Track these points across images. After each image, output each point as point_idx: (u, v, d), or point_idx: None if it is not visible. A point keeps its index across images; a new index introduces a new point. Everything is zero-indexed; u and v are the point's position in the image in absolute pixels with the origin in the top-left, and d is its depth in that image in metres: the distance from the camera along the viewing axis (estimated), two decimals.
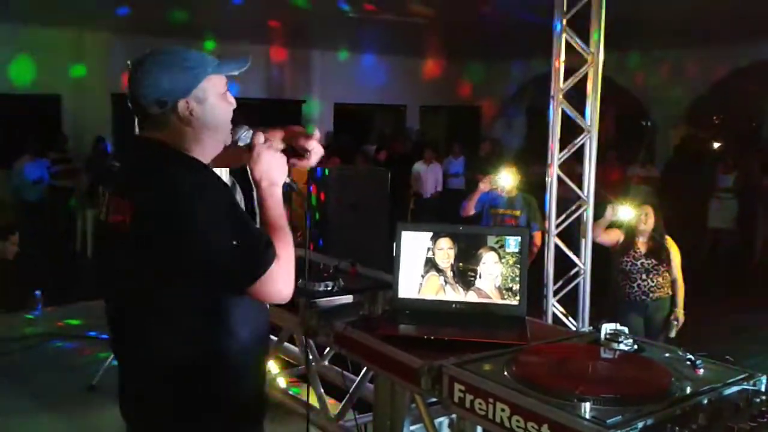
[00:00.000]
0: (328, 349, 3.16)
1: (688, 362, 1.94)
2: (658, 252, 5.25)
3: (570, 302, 5.44)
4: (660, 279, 5.23)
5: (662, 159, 12.39)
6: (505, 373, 1.89)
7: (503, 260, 2.45)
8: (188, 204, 1.64)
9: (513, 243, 2.46)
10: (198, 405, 1.77)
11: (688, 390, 1.75)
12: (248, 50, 11.58)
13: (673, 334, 5.16)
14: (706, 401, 1.71)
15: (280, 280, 1.73)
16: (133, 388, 1.87)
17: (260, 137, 1.89)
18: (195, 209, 1.65)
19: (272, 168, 1.85)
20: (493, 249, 2.46)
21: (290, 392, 3.43)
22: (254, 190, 1.87)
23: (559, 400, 1.69)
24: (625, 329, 2.14)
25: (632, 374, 1.83)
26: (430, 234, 2.51)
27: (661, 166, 11.79)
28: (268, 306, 1.90)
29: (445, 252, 2.49)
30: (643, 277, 5.25)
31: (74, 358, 5.22)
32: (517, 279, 2.44)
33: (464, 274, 2.47)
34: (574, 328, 5.31)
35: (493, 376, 1.88)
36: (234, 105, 1.87)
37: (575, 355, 1.99)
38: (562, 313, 5.44)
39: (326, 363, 3.25)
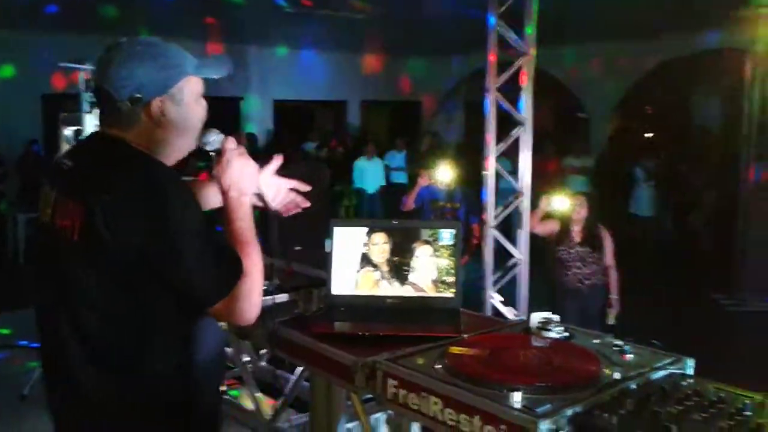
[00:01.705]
0: (264, 349, 3.12)
1: (616, 348, 1.97)
2: (591, 240, 5.37)
3: (509, 292, 5.52)
4: (595, 266, 5.34)
5: (596, 150, 12.69)
6: (438, 366, 1.89)
7: (437, 253, 2.45)
8: (155, 211, 1.51)
9: (447, 236, 2.46)
10: (151, 420, 1.63)
11: (616, 376, 1.78)
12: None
13: (611, 321, 5.28)
14: (633, 386, 1.74)
15: (246, 299, 1.60)
16: (73, 405, 1.68)
17: (231, 143, 1.77)
18: (161, 218, 1.51)
19: (243, 176, 1.73)
20: (427, 242, 2.46)
21: (227, 394, 3.37)
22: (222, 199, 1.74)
23: (490, 390, 1.70)
24: (556, 317, 2.17)
25: (562, 362, 1.85)
26: (365, 229, 2.49)
27: (595, 156, 12.06)
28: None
29: (380, 247, 2.47)
30: (578, 265, 5.35)
31: (4, 368, 5.05)
32: (452, 272, 2.44)
33: (399, 269, 2.46)
34: (513, 318, 5.40)
35: (425, 370, 1.87)
36: (205, 110, 1.76)
37: (506, 345, 2.00)
38: (501, 302, 5.51)
39: (263, 363, 3.20)
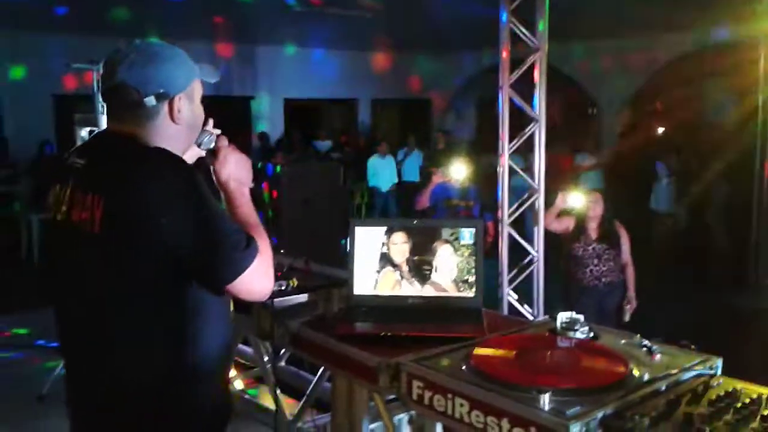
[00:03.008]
0: (284, 349, 3.11)
1: (644, 348, 1.95)
2: (608, 237, 5.33)
3: (525, 290, 5.50)
4: (611, 263, 5.31)
5: (608, 145, 12.62)
6: (463, 367, 1.87)
7: (458, 252, 2.44)
8: (171, 199, 1.59)
9: (467, 235, 2.45)
10: (164, 415, 1.69)
11: (646, 377, 1.75)
12: (192, 47, 11.38)
13: (627, 318, 5.25)
14: (664, 387, 1.72)
15: (264, 275, 1.72)
16: (91, 400, 1.76)
17: (224, 140, 1.90)
18: (178, 205, 1.59)
19: (240, 168, 1.87)
20: (447, 242, 2.44)
21: (247, 394, 3.37)
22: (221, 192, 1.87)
23: (518, 393, 1.68)
24: (581, 317, 2.14)
25: (590, 363, 1.83)
26: (384, 229, 2.48)
27: (607, 152, 12.00)
28: (233, 313, 1.86)
29: (400, 247, 2.46)
30: (595, 262, 5.32)
31: (22, 368, 5.07)
32: (473, 271, 2.42)
33: (420, 268, 2.45)
34: (529, 316, 5.38)
35: (451, 371, 1.86)
36: None
37: (532, 345, 1.99)
38: (517, 300, 5.49)
39: (283, 363, 3.19)
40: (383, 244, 2.47)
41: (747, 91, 9.04)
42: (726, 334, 6.23)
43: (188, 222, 1.59)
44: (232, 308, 1.90)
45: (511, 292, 5.49)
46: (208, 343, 1.71)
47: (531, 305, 5.51)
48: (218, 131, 1.95)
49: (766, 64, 7.68)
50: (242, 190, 1.85)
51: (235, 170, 1.85)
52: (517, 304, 5.47)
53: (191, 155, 1.95)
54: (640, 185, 9.93)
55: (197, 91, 1.81)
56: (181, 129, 1.76)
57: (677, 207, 9.88)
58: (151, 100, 1.70)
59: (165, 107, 1.73)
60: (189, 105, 1.77)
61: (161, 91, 1.71)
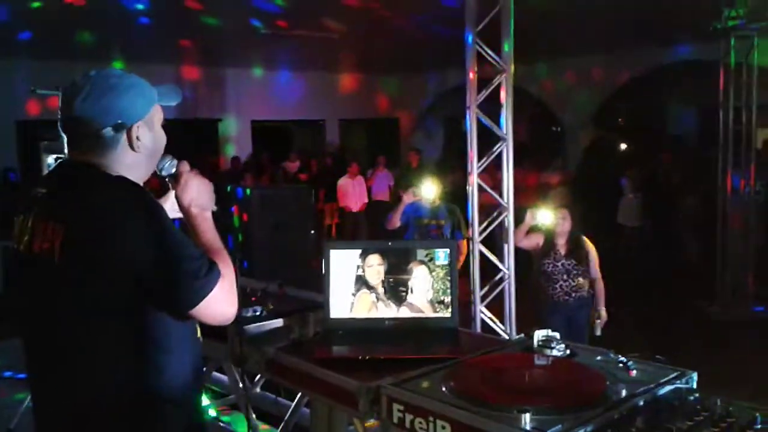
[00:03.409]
0: (258, 375, 3.08)
1: (621, 364, 1.97)
2: (577, 253, 5.39)
3: (496, 307, 5.53)
4: (580, 279, 5.36)
5: (573, 161, 12.82)
6: (443, 389, 1.87)
7: (433, 273, 2.44)
8: (131, 225, 1.60)
9: (442, 255, 2.46)
10: None
11: (624, 393, 1.77)
12: (158, 70, 11.33)
13: (598, 332, 5.29)
14: (642, 403, 1.73)
15: (226, 300, 1.71)
16: (59, 428, 1.75)
17: (186, 165, 1.90)
18: (138, 231, 1.60)
19: (201, 193, 1.86)
20: (422, 262, 2.45)
21: (222, 421, 3.32)
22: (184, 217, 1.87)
23: (499, 412, 1.68)
24: (557, 335, 2.16)
25: (569, 381, 1.84)
26: (359, 251, 2.48)
27: (572, 168, 12.18)
28: (200, 337, 1.84)
29: (375, 268, 2.46)
30: (565, 277, 5.37)
31: None
32: (448, 291, 2.43)
33: (395, 290, 2.45)
34: (502, 333, 5.40)
35: (432, 393, 1.86)
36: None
37: (511, 365, 1.99)
38: (489, 318, 5.51)
39: (258, 390, 3.16)
40: (358, 266, 2.46)
41: (708, 107, 9.26)
42: (697, 345, 6.33)
43: (148, 248, 1.60)
44: (199, 333, 1.89)
45: (485, 310, 5.51)
46: (175, 367, 1.72)
47: (503, 322, 5.53)
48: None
49: (727, 81, 7.88)
50: (204, 215, 1.86)
51: (197, 195, 1.85)
52: (490, 322, 5.49)
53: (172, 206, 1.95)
54: (606, 201, 10.09)
55: (157, 117, 1.83)
56: (140, 156, 1.78)
57: (644, 221, 10.06)
58: (108, 131, 1.72)
59: (123, 136, 1.75)
60: (148, 132, 1.78)
61: (119, 121, 1.73)
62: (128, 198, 1.65)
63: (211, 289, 1.65)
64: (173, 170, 1.89)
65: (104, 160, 1.74)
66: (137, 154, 1.77)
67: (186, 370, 1.76)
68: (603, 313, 5.37)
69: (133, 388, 1.67)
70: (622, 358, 1.99)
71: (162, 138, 1.84)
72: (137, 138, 1.75)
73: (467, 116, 5.39)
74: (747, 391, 1.70)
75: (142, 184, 1.82)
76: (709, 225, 8.50)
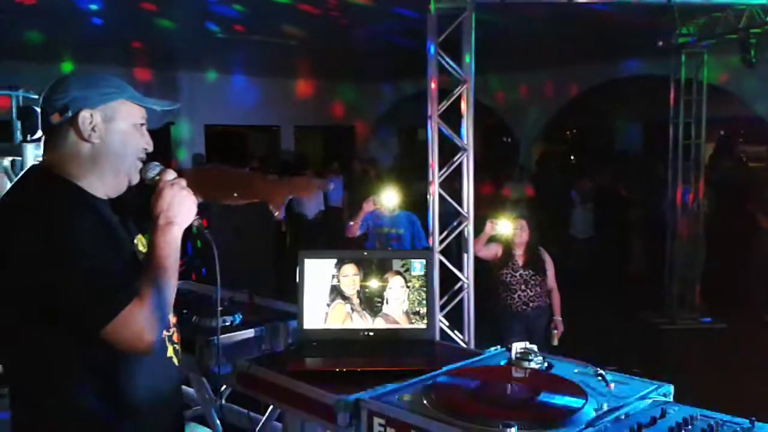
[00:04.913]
0: (224, 387, 3.00)
1: (599, 378, 1.98)
2: (534, 263, 5.47)
3: (455, 316, 5.54)
4: (538, 288, 5.43)
5: (526, 173, 12.98)
6: (425, 402, 1.85)
7: (409, 284, 2.43)
8: (40, 232, 1.53)
9: (418, 266, 2.44)
10: None
11: (606, 406, 1.78)
12: (110, 72, 11.04)
13: (555, 342, 5.37)
14: (623, 416, 1.75)
15: (136, 324, 1.57)
16: None
17: (169, 174, 1.80)
18: (47, 239, 1.53)
19: (173, 206, 1.74)
20: (398, 273, 2.43)
21: None
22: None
23: (484, 427, 1.67)
24: (534, 347, 2.17)
25: (551, 394, 1.84)
26: (334, 261, 2.45)
27: (525, 179, 12.34)
28: (171, 357, 1.78)
29: (351, 278, 2.43)
30: (523, 287, 5.44)
31: None
32: (424, 302, 2.42)
33: (371, 301, 2.42)
34: (461, 342, 5.41)
35: (413, 407, 1.83)
36: (150, 145, 1.80)
37: (491, 378, 1.99)
38: (448, 327, 5.52)
39: (223, 401, 3.09)
40: (333, 276, 2.43)
41: (656, 122, 9.51)
42: (645, 355, 6.47)
43: (49, 260, 1.52)
44: (170, 353, 1.82)
45: (443, 319, 5.52)
46: (133, 384, 1.66)
47: (461, 332, 5.55)
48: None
49: (676, 96, 8.11)
50: (168, 229, 1.72)
51: (167, 207, 1.73)
52: (448, 331, 5.50)
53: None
54: (558, 212, 10.26)
55: (124, 113, 1.74)
56: (98, 152, 1.70)
57: (594, 233, 10.26)
58: (55, 118, 1.68)
59: (71, 127, 1.69)
60: (108, 125, 1.70)
61: (65, 104, 1.67)
62: (33, 204, 1.58)
63: (118, 311, 1.54)
64: (153, 175, 1.80)
65: (58, 157, 1.70)
66: (94, 148, 1.69)
67: (146, 385, 1.69)
68: (559, 322, 5.46)
69: (89, 406, 1.61)
70: (600, 371, 2.00)
71: (132, 139, 1.76)
72: (90, 126, 1.68)
73: (428, 126, 5.41)
74: (692, 401, 1.73)
75: (110, 191, 1.75)
76: (657, 237, 8.73)
